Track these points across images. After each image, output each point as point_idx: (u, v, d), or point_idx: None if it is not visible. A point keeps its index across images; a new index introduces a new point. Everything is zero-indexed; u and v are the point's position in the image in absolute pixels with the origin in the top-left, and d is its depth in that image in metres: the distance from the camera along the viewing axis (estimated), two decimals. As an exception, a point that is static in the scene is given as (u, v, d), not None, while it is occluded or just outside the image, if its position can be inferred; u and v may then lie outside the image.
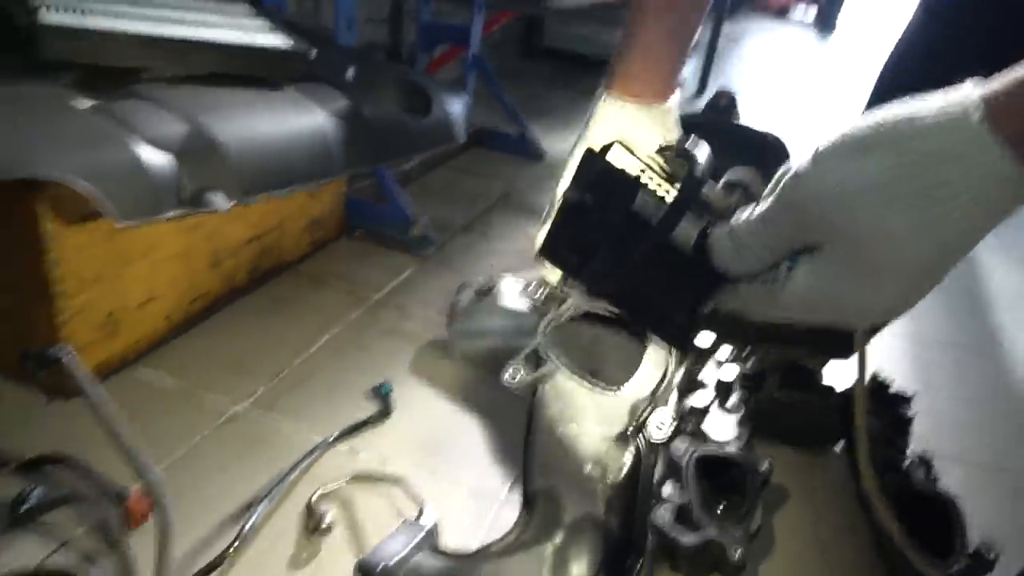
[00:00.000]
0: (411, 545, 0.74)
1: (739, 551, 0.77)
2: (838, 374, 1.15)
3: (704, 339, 1.15)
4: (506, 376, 0.88)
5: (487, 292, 1.21)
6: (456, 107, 1.46)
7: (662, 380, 0.88)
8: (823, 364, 1.19)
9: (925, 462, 0.95)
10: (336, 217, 1.52)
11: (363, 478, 0.90)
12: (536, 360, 0.90)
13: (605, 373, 0.91)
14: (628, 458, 0.84)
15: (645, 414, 0.86)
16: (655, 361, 0.94)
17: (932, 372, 1.39)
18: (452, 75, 2.56)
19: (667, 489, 0.87)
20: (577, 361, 0.90)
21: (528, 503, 0.85)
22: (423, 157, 1.97)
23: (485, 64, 2.27)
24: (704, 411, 1.03)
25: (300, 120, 1.09)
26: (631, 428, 0.84)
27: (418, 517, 0.82)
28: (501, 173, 2.10)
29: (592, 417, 0.86)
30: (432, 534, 0.79)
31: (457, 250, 1.59)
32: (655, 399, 0.88)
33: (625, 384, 0.88)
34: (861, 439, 0.68)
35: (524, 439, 0.82)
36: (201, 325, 1.19)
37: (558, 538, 0.79)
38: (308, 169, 1.07)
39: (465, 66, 2.25)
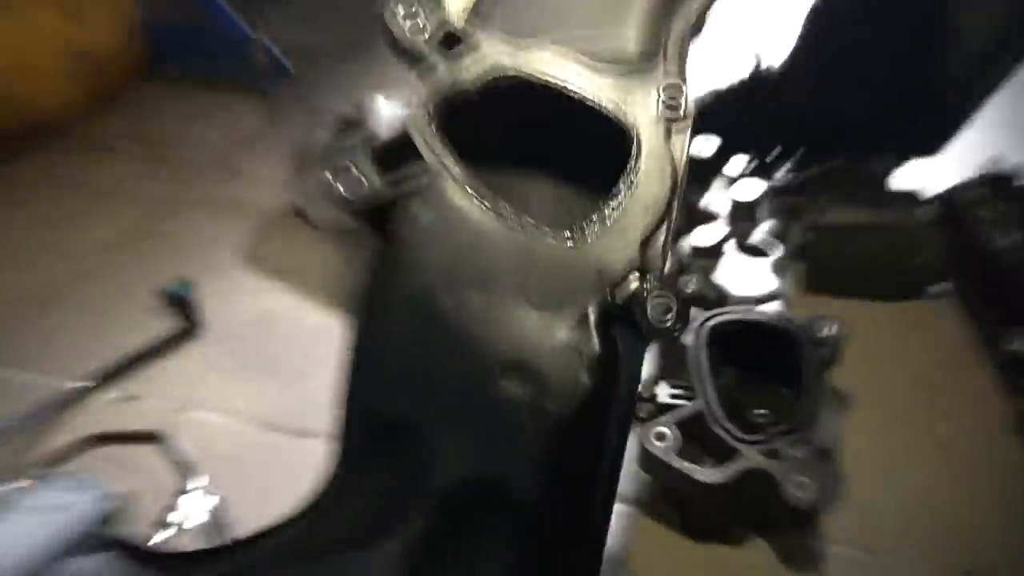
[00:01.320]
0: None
1: (806, 486, 0.43)
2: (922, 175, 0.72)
3: (704, 145, 0.72)
4: (338, 186, 0.32)
5: (355, 124, 0.77)
6: None
7: (669, 202, 0.37)
8: (888, 171, 0.77)
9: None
10: (130, 50, 1.02)
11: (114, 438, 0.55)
12: (395, 155, 0.33)
13: (537, 200, 0.40)
14: (587, 361, 0.36)
15: (631, 280, 0.36)
16: (650, 171, 0.37)
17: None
18: None
19: (662, 391, 0.50)
20: (485, 167, 0.36)
21: (356, 443, 0.38)
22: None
23: None
24: (715, 251, 0.63)
25: None
26: (598, 304, 0.34)
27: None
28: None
29: (512, 282, 0.33)
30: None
31: (321, 79, 1.11)
32: (659, 250, 0.38)
33: (587, 220, 0.34)
34: None
35: (359, 312, 0.32)
36: None
37: (418, 522, 0.35)
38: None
39: None
